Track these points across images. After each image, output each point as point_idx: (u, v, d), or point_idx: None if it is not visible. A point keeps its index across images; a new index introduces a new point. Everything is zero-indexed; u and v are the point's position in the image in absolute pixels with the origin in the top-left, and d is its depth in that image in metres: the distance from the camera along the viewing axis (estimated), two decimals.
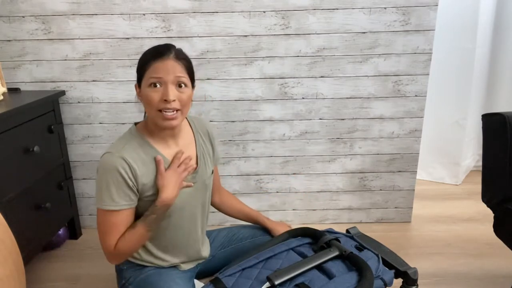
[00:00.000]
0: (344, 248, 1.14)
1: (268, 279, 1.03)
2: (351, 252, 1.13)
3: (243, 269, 1.12)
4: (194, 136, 1.27)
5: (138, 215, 1.16)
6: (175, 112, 1.09)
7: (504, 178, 1.41)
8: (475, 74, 2.48)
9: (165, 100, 1.07)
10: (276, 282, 1.02)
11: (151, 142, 1.15)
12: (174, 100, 1.07)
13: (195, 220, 1.27)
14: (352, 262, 1.11)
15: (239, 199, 2.14)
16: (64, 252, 1.98)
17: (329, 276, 1.06)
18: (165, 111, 1.08)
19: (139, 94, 1.14)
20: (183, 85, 1.10)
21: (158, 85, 1.07)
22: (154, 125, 1.15)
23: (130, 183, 1.09)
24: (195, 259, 1.31)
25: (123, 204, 1.09)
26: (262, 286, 1.04)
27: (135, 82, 1.18)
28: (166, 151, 1.17)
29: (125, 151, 1.09)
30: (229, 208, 1.47)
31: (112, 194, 1.08)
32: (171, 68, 1.07)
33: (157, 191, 1.13)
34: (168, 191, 1.11)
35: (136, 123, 1.21)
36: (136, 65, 1.14)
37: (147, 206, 1.14)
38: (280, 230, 1.38)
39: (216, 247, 1.40)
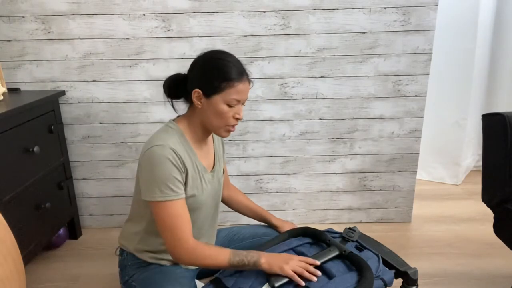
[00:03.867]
0: (344, 248, 1.14)
1: (268, 281, 1.03)
2: (351, 252, 1.13)
3: None
4: (213, 137, 1.33)
5: None
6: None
7: (504, 178, 1.41)
8: (475, 74, 2.48)
9: (237, 118, 1.16)
10: (276, 285, 1.02)
11: (189, 140, 1.20)
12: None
13: (210, 216, 1.31)
14: (352, 261, 1.11)
15: None
16: (64, 252, 1.98)
17: (329, 276, 1.06)
18: (232, 126, 1.18)
19: (198, 99, 1.15)
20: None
21: (234, 105, 1.14)
22: (201, 128, 1.20)
23: (180, 170, 1.12)
24: None
25: (181, 193, 1.12)
26: (262, 287, 1.04)
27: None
28: (199, 151, 1.22)
29: (171, 144, 1.12)
30: (237, 203, 1.50)
31: (171, 186, 1.09)
32: (248, 90, 1.17)
33: (192, 191, 1.17)
34: (278, 264, 1.05)
35: (173, 119, 1.24)
36: (201, 72, 1.14)
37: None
38: (286, 227, 1.41)
39: None
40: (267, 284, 1.04)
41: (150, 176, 1.10)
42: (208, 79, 1.13)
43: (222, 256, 1.07)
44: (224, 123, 1.15)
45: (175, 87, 1.21)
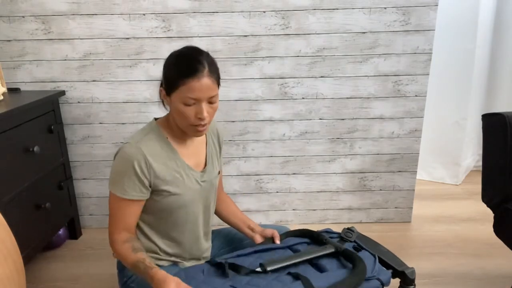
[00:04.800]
0: (339, 245, 1.14)
1: (261, 265, 1.04)
2: (346, 249, 1.13)
3: (238, 256, 1.14)
4: (206, 137, 1.30)
5: (155, 209, 1.18)
6: (206, 125, 1.12)
7: (504, 178, 1.41)
8: (475, 74, 2.48)
9: (199, 118, 1.08)
10: (268, 269, 1.03)
11: (169, 139, 1.18)
12: (207, 116, 1.10)
13: (200, 218, 1.28)
14: (346, 257, 1.12)
15: (239, 199, 2.15)
16: (64, 252, 1.98)
17: (321, 271, 1.07)
18: (199, 126, 1.10)
19: (165, 98, 1.14)
20: (213, 100, 1.11)
21: (192, 103, 1.08)
22: (177, 127, 1.17)
23: (142, 176, 1.10)
24: (197, 258, 1.32)
25: (132, 195, 1.11)
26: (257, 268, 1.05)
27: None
28: (182, 150, 1.20)
29: (143, 143, 1.12)
30: (223, 209, 1.43)
31: (123, 184, 1.10)
32: (205, 88, 1.06)
33: (171, 189, 1.15)
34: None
35: (155, 118, 1.22)
36: (163, 70, 1.12)
37: (163, 200, 1.16)
38: (258, 230, 1.33)
39: (217, 247, 1.41)
40: (259, 268, 1.05)
41: (112, 167, 1.14)
42: (166, 77, 1.11)
43: (129, 259, 1.08)
44: (187, 122, 1.09)
45: None
